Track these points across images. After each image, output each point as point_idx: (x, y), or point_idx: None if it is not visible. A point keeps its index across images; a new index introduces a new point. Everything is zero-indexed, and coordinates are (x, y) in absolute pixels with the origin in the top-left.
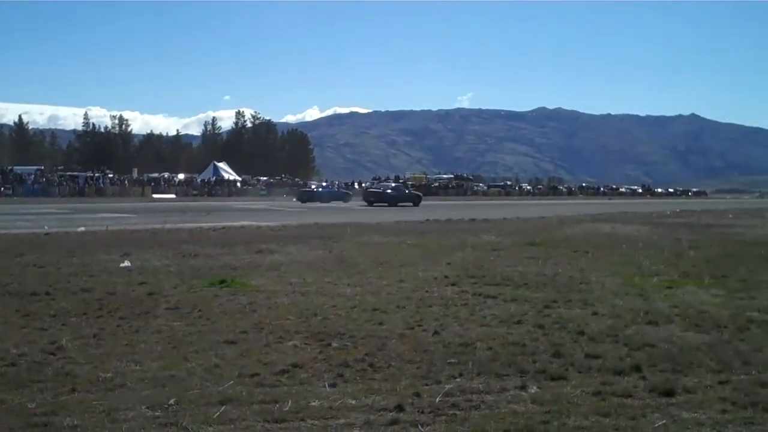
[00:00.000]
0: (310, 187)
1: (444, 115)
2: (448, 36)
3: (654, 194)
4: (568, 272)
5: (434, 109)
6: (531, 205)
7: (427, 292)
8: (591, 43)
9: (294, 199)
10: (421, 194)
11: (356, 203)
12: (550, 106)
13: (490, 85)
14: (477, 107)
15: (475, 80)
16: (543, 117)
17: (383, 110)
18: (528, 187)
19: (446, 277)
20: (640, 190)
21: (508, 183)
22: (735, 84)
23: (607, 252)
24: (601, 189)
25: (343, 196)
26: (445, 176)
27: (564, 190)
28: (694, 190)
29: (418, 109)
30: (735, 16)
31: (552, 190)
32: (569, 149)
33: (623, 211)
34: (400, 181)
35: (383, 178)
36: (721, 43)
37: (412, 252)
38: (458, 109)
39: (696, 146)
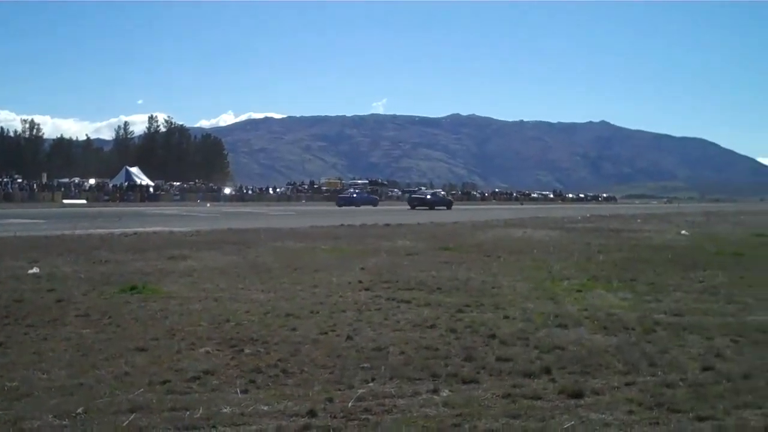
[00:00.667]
0: (349, 194)
1: (359, 121)
2: (362, 42)
3: (565, 200)
4: (480, 277)
5: (349, 114)
6: (444, 210)
7: (341, 297)
8: (504, 50)
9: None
10: (452, 200)
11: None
12: (464, 112)
13: (405, 91)
14: (392, 113)
15: (389, 86)
16: (457, 123)
17: (298, 116)
18: (442, 193)
19: (360, 282)
20: (552, 196)
21: (423, 188)
22: (643, 91)
23: (519, 256)
24: (514, 194)
25: (373, 201)
26: (360, 182)
27: (477, 195)
28: (604, 195)
29: (333, 114)
30: (644, 24)
31: (466, 196)
32: (483, 155)
33: (535, 216)
34: (315, 186)
35: (298, 184)
36: (630, 50)
37: (327, 257)
38: (373, 115)
39: (606, 152)
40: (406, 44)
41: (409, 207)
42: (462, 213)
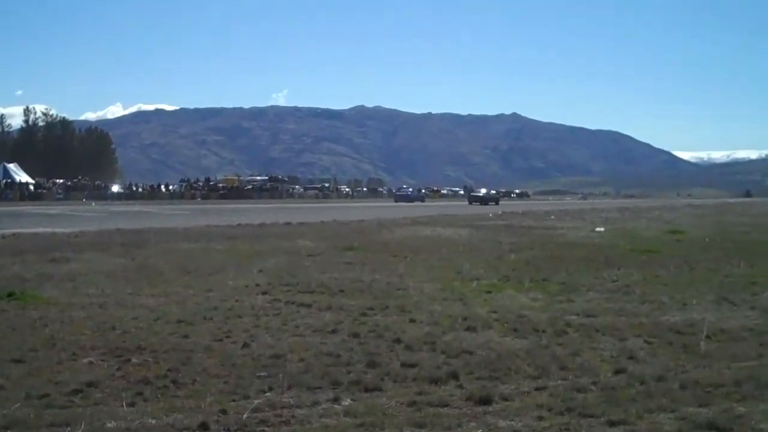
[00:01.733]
0: (404, 191)
1: (258, 113)
2: (261, 29)
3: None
4: (386, 278)
5: (247, 106)
6: (350, 207)
7: (237, 301)
8: (411, 39)
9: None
10: (499, 196)
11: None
12: (369, 104)
13: (306, 81)
14: (293, 105)
15: (290, 77)
16: (362, 116)
17: (192, 108)
18: (347, 190)
19: (258, 285)
20: (462, 192)
21: (326, 185)
22: (556, 83)
23: (427, 256)
24: (423, 191)
25: (422, 198)
26: (259, 178)
27: (384, 192)
28: (517, 191)
29: (229, 106)
30: (555, 14)
31: (372, 192)
32: (389, 150)
33: (444, 213)
34: (211, 182)
35: (193, 181)
36: (543, 41)
37: (222, 259)
38: (273, 107)
39: (517, 146)
40: (308, 32)
41: (468, 203)
42: (366, 211)
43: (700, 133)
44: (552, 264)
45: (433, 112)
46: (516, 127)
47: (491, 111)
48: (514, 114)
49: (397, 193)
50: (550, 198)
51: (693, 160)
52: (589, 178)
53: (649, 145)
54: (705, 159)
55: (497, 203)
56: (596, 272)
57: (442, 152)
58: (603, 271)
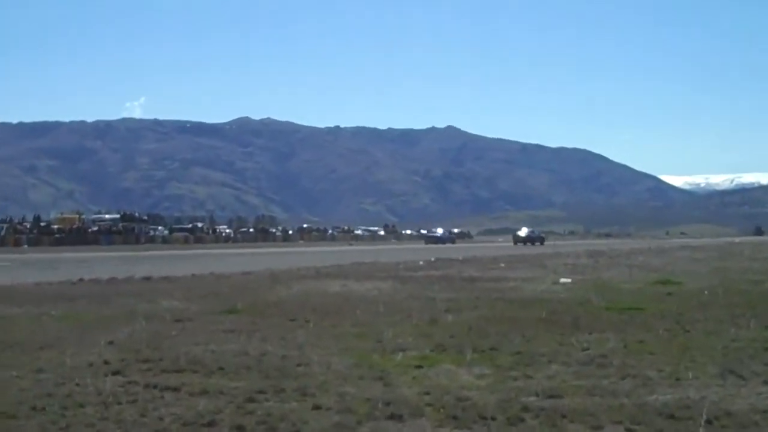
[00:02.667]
0: (436, 234)
1: (105, 129)
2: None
3: (401, 237)
4: (281, 350)
5: (90, 120)
6: (231, 255)
7: (78, 385)
8: (312, 34)
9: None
10: (544, 236)
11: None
12: (256, 115)
13: (171, 86)
14: (152, 117)
15: (148, 81)
16: (247, 131)
17: (15, 122)
18: (228, 231)
19: (107, 362)
20: (383, 233)
21: (200, 225)
22: (505, 88)
23: (336, 320)
24: (330, 231)
25: (453, 239)
26: (108, 216)
27: (278, 233)
28: (456, 230)
29: (67, 120)
30: (504, 4)
31: (262, 234)
32: (284, 176)
33: (359, 261)
34: (42, 223)
35: (18, 221)
36: (487, 35)
37: (58, 327)
38: (125, 120)
39: (456, 171)
40: (171, 25)
41: (513, 243)
42: (254, 259)
43: (694, 152)
44: (503, 328)
45: (343, 125)
46: (453, 145)
47: (420, 124)
48: (451, 128)
49: (428, 235)
50: (500, 239)
51: (687, 187)
52: (551, 212)
53: (628, 168)
54: (702, 185)
55: (542, 243)
56: (561, 338)
57: (355, 179)
58: (570, 336)
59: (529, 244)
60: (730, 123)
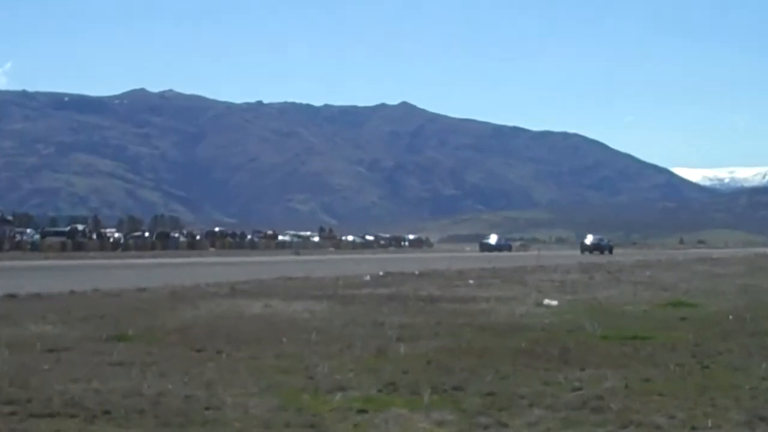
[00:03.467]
0: (489, 241)
1: None
2: None
3: (339, 244)
4: (184, 389)
5: None
6: (122, 266)
7: None
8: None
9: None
10: (612, 245)
11: None
12: (155, 88)
13: (44, 50)
14: (20, 88)
15: (16, 42)
16: (142, 108)
17: None
18: (117, 235)
19: None
20: (317, 239)
21: (80, 227)
22: (474, 58)
23: (256, 351)
24: (250, 236)
25: (509, 247)
26: None
27: (183, 238)
28: (411, 237)
29: None
30: None
31: (161, 240)
32: (191, 165)
33: (287, 275)
34: None
35: None
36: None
37: None
38: None
39: (411, 159)
40: None
41: (580, 252)
42: (151, 272)
43: (716, 139)
44: (471, 362)
45: (266, 101)
46: (408, 127)
47: (366, 100)
48: (405, 105)
49: (483, 242)
50: (467, 248)
51: (706, 184)
52: (533, 214)
53: (633, 159)
54: (726, 181)
55: (611, 252)
56: (545, 375)
57: (281, 170)
58: (557, 372)
59: (596, 252)
60: (760, 102)
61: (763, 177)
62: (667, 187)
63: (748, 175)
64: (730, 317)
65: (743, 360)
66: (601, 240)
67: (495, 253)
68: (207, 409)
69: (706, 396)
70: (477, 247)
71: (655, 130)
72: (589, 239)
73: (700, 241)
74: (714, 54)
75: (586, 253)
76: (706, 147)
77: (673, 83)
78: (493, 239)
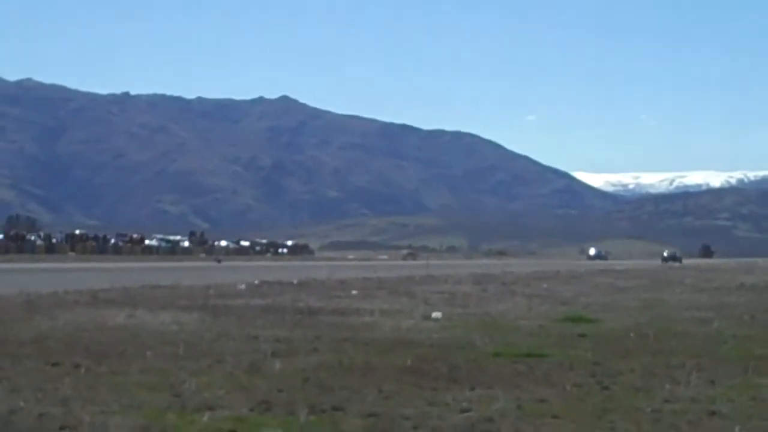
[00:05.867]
0: (594, 252)
1: None
2: None
3: (210, 250)
4: (37, 406)
5: None
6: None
7: None
8: None
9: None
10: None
11: None
12: (10, 75)
13: None
14: None
15: None
16: None
17: None
18: (677, 252)
19: None
20: (187, 243)
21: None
22: (360, 52)
23: (119, 365)
24: (114, 240)
25: (606, 257)
26: None
27: (39, 242)
28: (290, 243)
29: None
30: None
31: (15, 243)
32: (50, 162)
33: (154, 283)
34: None
35: None
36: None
37: None
38: None
39: (292, 159)
40: None
41: (661, 262)
42: (10, 278)
43: (621, 142)
44: (352, 380)
45: (134, 92)
46: (289, 123)
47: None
48: (286, 100)
49: (588, 255)
50: (351, 256)
51: (609, 189)
52: (423, 220)
53: (531, 161)
54: (631, 187)
55: (681, 261)
56: (432, 395)
57: (150, 168)
58: (445, 392)
59: (672, 262)
60: (667, 104)
61: (670, 183)
62: (568, 192)
63: (654, 180)
64: (632, 334)
65: (645, 380)
66: (672, 253)
67: (381, 262)
68: (62, 428)
69: (606, 419)
70: (364, 254)
71: (556, 131)
72: (592, 251)
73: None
74: (621, 54)
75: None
76: (609, 150)
77: (578, 82)
78: (592, 251)
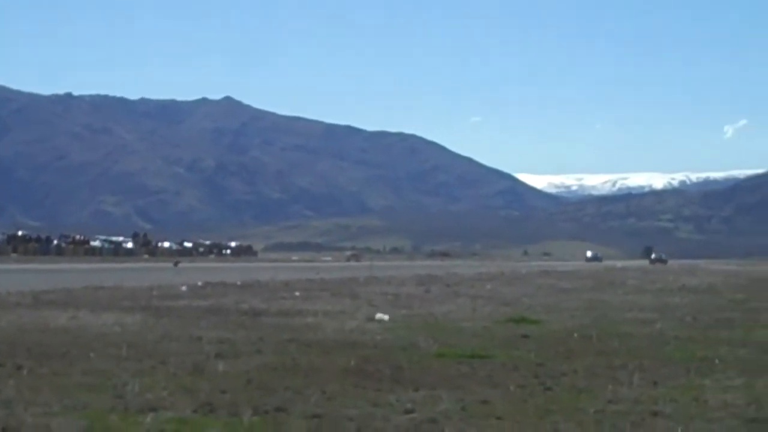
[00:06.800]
0: (590, 255)
1: None
2: None
3: (154, 251)
4: None
5: None
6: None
7: None
8: None
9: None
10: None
11: None
12: None
13: None
14: None
15: None
16: None
17: None
18: (663, 255)
19: None
20: (131, 244)
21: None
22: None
23: (61, 367)
24: (56, 242)
25: (601, 259)
26: None
27: None
28: (233, 244)
29: None
30: None
31: None
32: None
33: (97, 284)
34: None
35: None
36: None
37: None
38: None
39: (235, 160)
40: None
41: (649, 263)
42: None
43: (563, 143)
44: (295, 381)
45: (77, 93)
46: (232, 124)
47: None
48: (229, 101)
49: (588, 257)
50: (295, 257)
51: (552, 191)
52: (366, 221)
53: (474, 163)
54: (574, 189)
55: (665, 263)
56: (376, 396)
57: (92, 169)
58: (388, 393)
59: (659, 264)
60: (610, 106)
61: (613, 185)
62: (511, 194)
63: (596, 182)
64: (575, 335)
65: (588, 381)
66: (659, 254)
67: (324, 264)
68: (4, 430)
69: (549, 420)
70: (313, 254)
71: (499, 133)
72: (589, 254)
73: (546, 254)
74: (564, 56)
75: (658, 263)
76: (553, 152)
77: (522, 84)
78: (589, 253)
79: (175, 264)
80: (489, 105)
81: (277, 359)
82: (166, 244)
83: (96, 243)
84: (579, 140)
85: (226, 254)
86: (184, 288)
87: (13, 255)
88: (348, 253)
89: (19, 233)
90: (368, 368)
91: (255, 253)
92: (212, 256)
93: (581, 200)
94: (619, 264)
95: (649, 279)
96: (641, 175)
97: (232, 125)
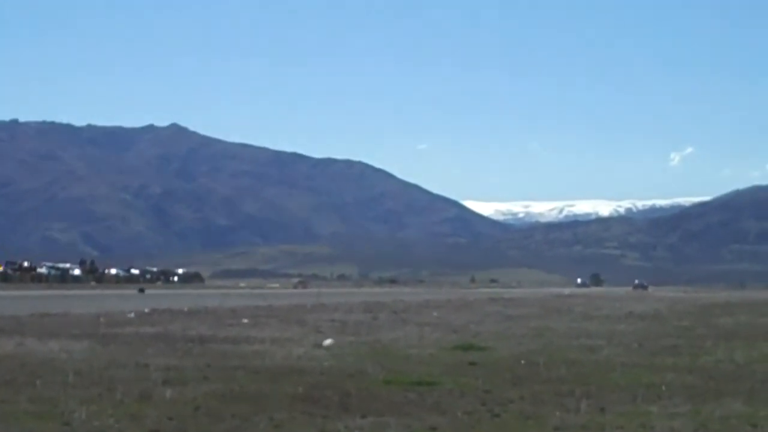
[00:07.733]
0: (580, 281)
1: None
2: None
3: (101, 278)
4: None
5: None
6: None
7: None
8: None
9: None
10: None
11: None
12: None
13: None
14: None
15: None
16: None
17: None
18: (644, 282)
19: None
20: (78, 271)
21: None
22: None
23: (7, 393)
24: (3, 268)
25: (587, 285)
26: None
27: None
28: (180, 271)
29: None
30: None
31: None
32: None
33: (43, 311)
34: None
35: None
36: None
37: None
38: None
39: (182, 187)
40: None
41: (632, 288)
42: None
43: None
44: (243, 408)
45: (23, 119)
46: (179, 151)
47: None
48: (176, 128)
49: (578, 282)
50: (242, 284)
51: (500, 218)
52: (313, 248)
53: (421, 190)
54: (521, 216)
55: (646, 288)
56: (323, 423)
57: (38, 195)
58: (336, 420)
59: (641, 290)
60: (556, 133)
61: (560, 212)
62: (458, 221)
63: (543, 209)
64: (523, 362)
65: (536, 408)
66: (641, 281)
67: (271, 291)
68: None
69: None
70: (257, 282)
71: (446, 160)
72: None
73: (493, 280)
74: (511, 82)
75: (639, 289)
76: (500, 179)
77: (469, 111)
78: (579, 281)
79: (141, 291)
80: (436, 131)
81: (224, 386)
82: (113, 271)
83: (43, 270)
84: (526, 167)
85: (173, 281)
86: (131, 315)
87: None
88: (295, 280)
89: None
90: (316, 395)
91: (202, 280)
92: (160, 283)
93: (528, 227)
94: (567, 291)
95: (595, 306)
96: (588, 203)
97: (179, 152)
